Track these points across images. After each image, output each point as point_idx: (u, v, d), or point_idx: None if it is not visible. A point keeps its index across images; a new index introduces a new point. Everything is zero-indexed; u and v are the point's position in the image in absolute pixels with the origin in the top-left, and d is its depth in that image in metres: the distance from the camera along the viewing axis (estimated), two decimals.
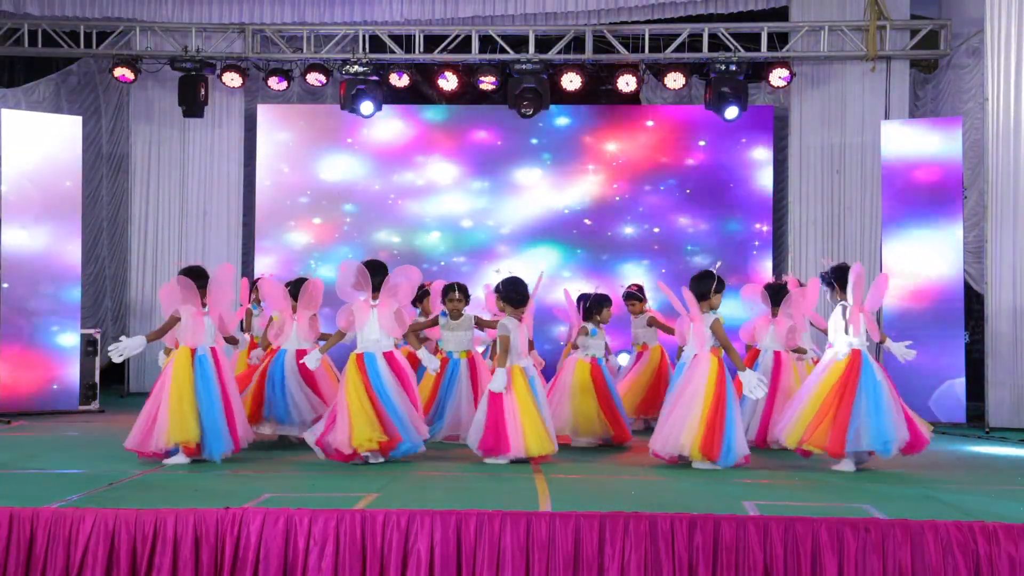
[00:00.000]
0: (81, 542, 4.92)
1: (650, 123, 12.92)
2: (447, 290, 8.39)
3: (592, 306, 8.47)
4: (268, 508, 5.07)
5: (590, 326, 8.38)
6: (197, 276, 7.18)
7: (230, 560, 4.91)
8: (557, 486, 6.13)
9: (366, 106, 12.11)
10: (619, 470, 6.92)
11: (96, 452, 7.62)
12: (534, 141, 12.88)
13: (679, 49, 12.08)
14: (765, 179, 12.66)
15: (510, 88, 12.06)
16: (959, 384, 10.14)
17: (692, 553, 4.85)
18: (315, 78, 12.37)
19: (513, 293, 7.37)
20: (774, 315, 8.14)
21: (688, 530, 4.87)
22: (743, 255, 12.66)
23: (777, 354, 8.10)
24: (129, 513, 4.99)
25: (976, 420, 9.94)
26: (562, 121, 12.87)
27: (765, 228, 12.62)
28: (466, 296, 8.47)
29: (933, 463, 7.11)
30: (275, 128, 13.01)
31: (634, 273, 12.74)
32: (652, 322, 9.26)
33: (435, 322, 8.51)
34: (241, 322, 9.37)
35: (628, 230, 12.83)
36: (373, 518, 4.94)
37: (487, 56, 12.27)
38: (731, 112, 11.87)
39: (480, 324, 8.43)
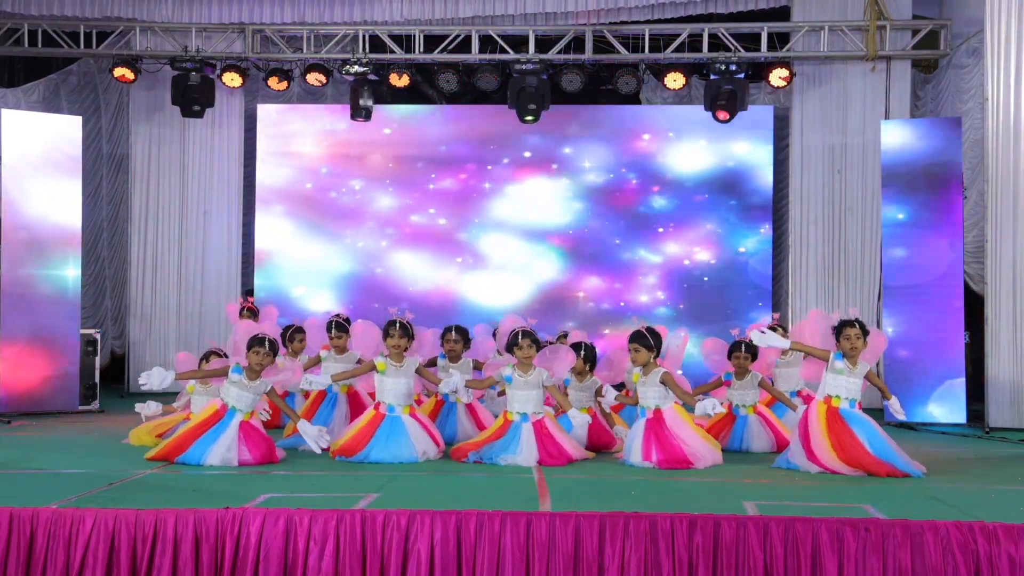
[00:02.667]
0: (81, 542, 4.92)
1: (650, 124, 12.93)
2: (444, 331, 8.25)
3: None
4: (268, 508, 5.07)
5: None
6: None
7: (230, 560, 4.91)
8: (557, 486, 6.12)
9: (360, 108, 12.13)
10: (619, 470, 6.91)
11: (96, 452, 7.62)
12: (533, 141, 12.87)
13: (679, 49, 12.08)
14: (765, 179, 12.66)
15: (510, 88, 12.07)
16: (959, 384, 10.14)
17: (692, 553, 4.85)
18: (315, 78, 12.37)
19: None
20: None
21: (688, 530, 4.87)
22: (743, 256, 12.67)
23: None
24: (129, 513, 4.99)
25: (976, 420, 9.93)
26: (561, 121, 12.85)
27: (765, 228, 12.63)
28: (464, 338, 8.31)
29: (933, 463, 7.10)
30: (275, 128, 13.01)
31: (636, 274, 12.76)
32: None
33: (432, 363, 8.28)
34: None
35: (628, 231, 12.83)
36: (373, 518, 4.94)
37: (487, 56, 12.27)
38: (722, 116, 11.89)
39: (477, 366, 8.29)
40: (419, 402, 7.99)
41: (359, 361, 8.31)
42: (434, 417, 8.04)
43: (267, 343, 7.10)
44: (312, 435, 7.08)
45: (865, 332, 7.03)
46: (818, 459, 6.74)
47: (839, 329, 7.03)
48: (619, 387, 7.81)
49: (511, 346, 7.33)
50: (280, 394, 9.05)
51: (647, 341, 7.22)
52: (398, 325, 7.40)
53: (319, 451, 7.12)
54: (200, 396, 7.67)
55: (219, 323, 12.40)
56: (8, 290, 10.28)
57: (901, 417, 7.08)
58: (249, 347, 7.12)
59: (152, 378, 6.90)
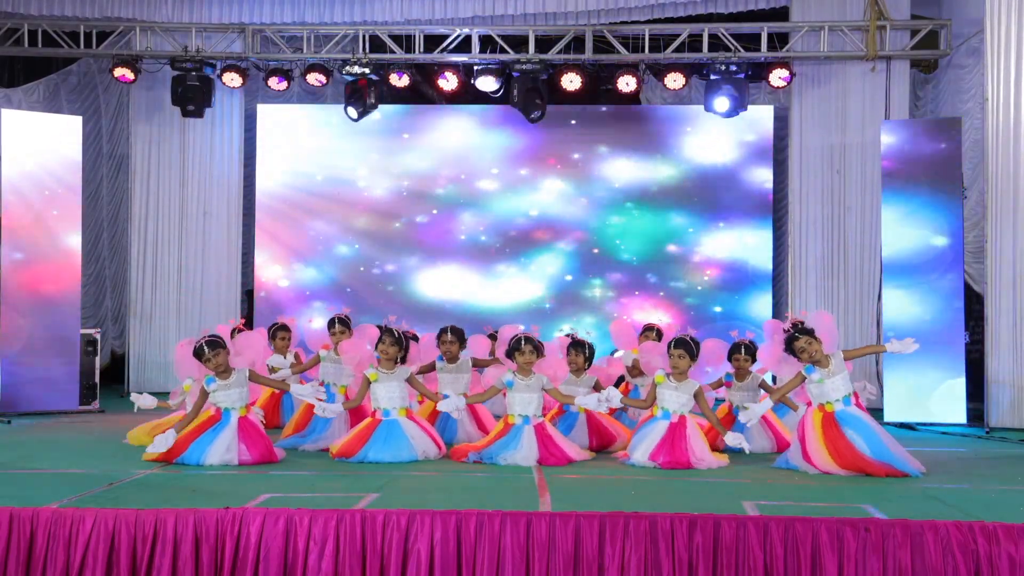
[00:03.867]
0: (81, 542, 4.92)
1: (650, 124, 12.92)
2: (440, 332, 8.26)
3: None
4: (268, 508, 5.07)
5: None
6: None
7: (230, 560, 4.91)
8: (557, 486, 6.12)
9: (361, 108, 12.14)
10: (619, 470, 6.92)
11: (96, 452, 7.62)
12: (533, 141, 12.87)
13: (679, 49, 12.08)
14: (765, 179, 12.66)
15: (512, 88, 12.07)
16: (959, 384, 10.14)
17: (692, 553, 4.85)
18: (315, 78, 12.36)
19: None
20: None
21: (688, 530, 4.88)
22: (743, 256, 12.67)
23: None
24: (129, 513, 4.99)
25: (976, 420, 9.93)
26: (561, 121, 12.85)
27: (765, 228, 12.62)
28: (460, 339, 8.27)
29: (933, 463, 7.10)
30: (275, 128, 13.00)
31: (636, 273, 12.76)
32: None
33: (431, 367, 8.29)
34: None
35: (628, 230, 12.82)
36: (373, 518, 4.95)
37: (487, 56, 12.27)
38: (722, 104, 11.82)
39: (476, 364, 8.29)
40: (420, 403, 8.00)
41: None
42: (434, 419, 8.04)
43: (206, 347, 7.10)
44: (309, 392, 7.17)
45: (811, 332, 6.94)
46: (814, 462, 6.76)
47: (788, 347, 6.98)
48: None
49: (512, 352, 7.35)
50: (276, 393, 9.10)
51: (692, 349, 7.24)
52: (393, 334, 7.45)
53: (318, 402, 7.19)
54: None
55: (219, 323, 12.37)
56: (8, 290, 10.28)
57: (909, 350, 6.98)
58: (199, 359, 7.13)
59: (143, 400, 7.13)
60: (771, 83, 12.06)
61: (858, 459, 6.65)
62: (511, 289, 12.87)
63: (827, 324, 7.06)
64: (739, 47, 11.98)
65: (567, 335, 8.43)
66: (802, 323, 7.02)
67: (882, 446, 6.73)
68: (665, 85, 12.16)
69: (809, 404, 7.12)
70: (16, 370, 10.21)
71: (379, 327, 7.79)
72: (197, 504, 5.18)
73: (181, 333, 12.58)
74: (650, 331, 8.88)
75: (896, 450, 6.78)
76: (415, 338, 8.14)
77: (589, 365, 8.01)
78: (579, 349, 7.95)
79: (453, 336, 8.24)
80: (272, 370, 8.77)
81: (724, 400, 8.17)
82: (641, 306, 12.64)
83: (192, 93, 12.14)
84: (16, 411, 10.04)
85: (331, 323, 8.49)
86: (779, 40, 12.27)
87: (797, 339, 6.93)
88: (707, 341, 7.99)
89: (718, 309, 12.62)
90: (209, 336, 7.20)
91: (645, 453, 6.98)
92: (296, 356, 9.22)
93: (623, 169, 12.85)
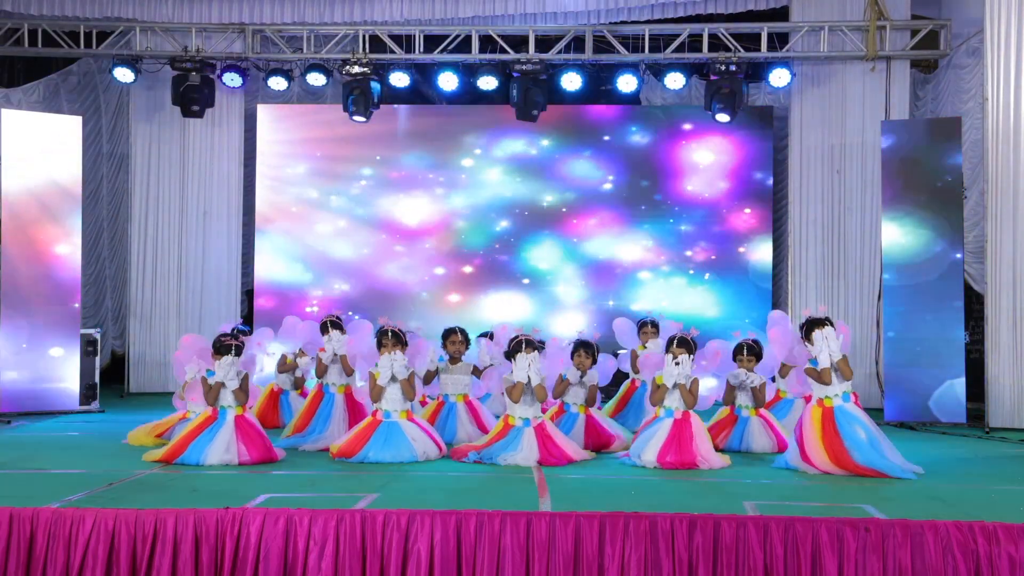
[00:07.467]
0: (81, 542, 4.93)
1: (650, 124, 12.92)
2: (448, 332, 8.30)
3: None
4: (268, 508, 5.08)
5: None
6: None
7: (230, 560, 4.91)
8: (557, 486, 6.13)
9: (361, 108, 12.12)
10: (619, 470, 6.92)
11: (96, 452, 7.63)
12: (533, 141, 12.88)
13: (679, 49, 12.07)
14: (765, 179, 12.66)
15: (511, 88, 12.07)
16: (959, 384, 10.13)
17: (692, 553, 4.86)
18: (315, 78, 12.37)
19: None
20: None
21: (688, 530, 4.88)
22: (743, 256, 12.66)
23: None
24: (129, 513, 4.99)
25: (976, 420, 9.94)
26: (561, 121, 12.84)
27: (766, 228, 12.62)
28: (467, 340, 8.36)
29: (933, 463, 7.11)
30: (275, 128, 13.00)
31: (635, 273, 12.75)
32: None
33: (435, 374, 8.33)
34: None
35: (626, 230, 12.82)
36: (373, 518, 4.95)
37: (487, 56, 12.26)
38: (723, 117, 11.86)
39: (475, 372, 8.31)
40: (423, 403, 8.01)
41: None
42: (434, 419, 8.06)
43: (232, 349, 7.22)
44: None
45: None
46: (811, 460, 6.79)
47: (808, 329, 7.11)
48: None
49: (514, 354, 7.36)
50: (276, 390, 9.15)
51: (692, 348, 7.32)
52: (390, 334, 7.46)
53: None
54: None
55: (219, 323, 12.36)
56: (8, 290, 10.28)
57: None
58: (217, 351, 7.30)
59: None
60: (771, 83, 12.07)
61: (848, 463, 6.68)
62: (509, 287, 12.85)
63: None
64: (739, 47, 11.98)
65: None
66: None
67: (872, 452, 6.72)
68: (665, 85, 12.17)
69: (808, 400, 7.19)
70: (16, 370, 10.21)
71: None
72: (197, 504, 5.18)
73: (181, 333, 12.55)
74: (647, 326, 8.96)
75: (889, 455, 6.77)
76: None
77: (594, 364, 8.04)
78: (587, 350, 7.96)
79: (462, 337, 8.31)
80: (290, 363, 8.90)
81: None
82: (641, 306, 12.62)
83: (192, 93, 12.14)
84: (16, 411, 10.04)
85: (324, 327, 8.47)
86: (779, 40, 12.26)
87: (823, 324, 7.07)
88: (711, 342, 7.99)
89: (718, 309, 12.60)
90: (239, 344, 7.30)
91: (653, 455, 6.98)
92: (283, 358, 9.19)
93: (622, 169, 12.84)
